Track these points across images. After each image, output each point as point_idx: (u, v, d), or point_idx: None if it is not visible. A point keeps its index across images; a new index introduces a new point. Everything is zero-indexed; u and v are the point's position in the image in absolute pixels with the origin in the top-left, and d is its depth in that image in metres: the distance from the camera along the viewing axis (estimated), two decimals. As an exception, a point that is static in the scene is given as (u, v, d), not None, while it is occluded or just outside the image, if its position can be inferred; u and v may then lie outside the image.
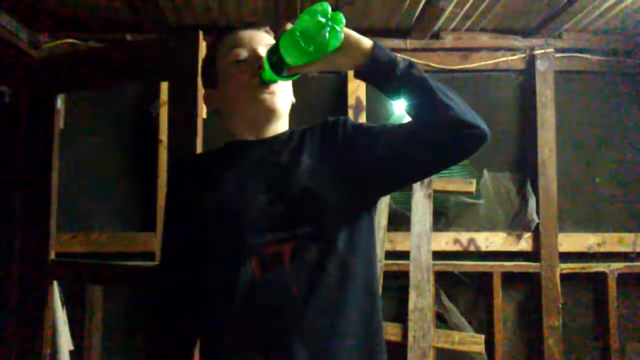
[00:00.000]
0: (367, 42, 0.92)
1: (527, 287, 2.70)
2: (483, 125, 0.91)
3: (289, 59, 0.90)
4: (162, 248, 1.11)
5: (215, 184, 1.02)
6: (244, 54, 1.03)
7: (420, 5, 2.40)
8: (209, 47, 1.14)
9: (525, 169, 2.73)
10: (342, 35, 0.88)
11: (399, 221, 2.64)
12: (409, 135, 0.95)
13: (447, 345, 2.44)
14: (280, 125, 1.08)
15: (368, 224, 1.02)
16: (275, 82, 1.01)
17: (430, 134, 0.93)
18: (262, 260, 0.93)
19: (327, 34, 0.86)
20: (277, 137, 1.06)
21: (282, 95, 1.04)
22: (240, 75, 1.03)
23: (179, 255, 1.07)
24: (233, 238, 0.96)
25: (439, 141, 0.92)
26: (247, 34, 1.05)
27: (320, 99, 2.71)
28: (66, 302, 2.34)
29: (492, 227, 2.71)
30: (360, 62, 0.91)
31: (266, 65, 0.95)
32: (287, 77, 0.97)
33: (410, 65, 0.92)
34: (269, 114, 1.03)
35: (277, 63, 0.93)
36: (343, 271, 0.94)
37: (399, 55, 0.94)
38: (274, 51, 0.92)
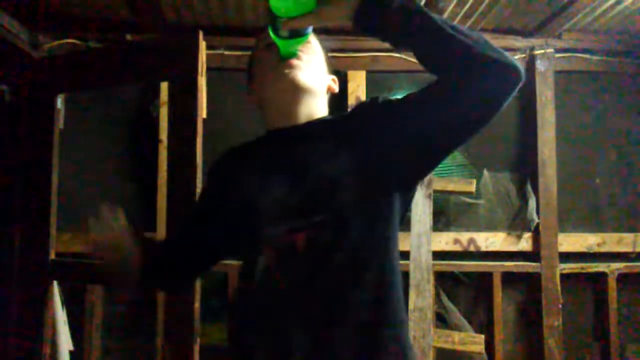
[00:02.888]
0: None
1: (527, 287, 2.70)
2: (511, 60, 0.83)
3: (278, 10, 0.89)
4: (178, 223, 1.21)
5: (245, 175, 1.05)
6: (270, 39, 1.01)
7: (420, 5, 2.40)
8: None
9: (525, 169, 2.73)
10: None
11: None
12: (433, 90, 0.90)
13: (447, 345, 2.44)
14: (314, 107, 1.05)
15: (391, 214, 0.98)
16: (294, 55, 1.00)
17: (451, 82, 0.86)
18: (277, 249, 0.95)
19: None
20: (307, 125, 1.04)
21: (306, 71, 1.01)
22: (266, 58, 1.03)
23: (186, 234, 1.18)
24: (252, 228, 0.99)
25: (463, 88, 0.85)
26: None
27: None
28: (66, 302, 2.34)
29: (492, 227, 2.71)
30: (353, 10, 0.86)
31: (272, 36, 0.95)
32: (290, 39, 0.95)
33: (409, 1, 0.86)
34: (293, 90, 1.01)
35: (273, 22, 0.92)
36: (354, 260, 0.93)
37: None
38: (268, 13, 0.92)
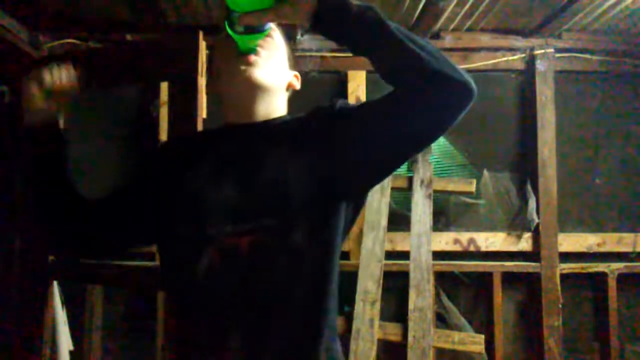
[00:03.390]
0: None
1: (527, 287, 2.70)
2: (465, 78, 0.83)
3: (233, 4, 0.86)
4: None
5: (190, 168, 1.00)
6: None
7: (420, 5, 2.40)
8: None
9: (525, 169, 2.73)
10: None
11: (399, 221, 2.63)
12: (385, 102, 0.89)
13: (447, 345, 2.44)
14: (272, 105, 1.03)
15: (337, 221, 0.95)
16: (252, 51, 0.97)
17: (402, 95, 0.86)
18: (221, 251, 0.92)
19: None
20: (264, 124, 1.01)
21: (264, 68, 0.98)
22: (223, 50, 1.01)
23: (115, 198, 1.09)
24: (196, 226, 0.95)
25: (414, 101, 0.85)
26: None
27: (320, 99, 2.70)
28: (66, 302, 2.34)
29: (492, 227, 2.71)
30: (311, 12, 0.84)
31: (228, 30, 0.91)
32: (245, 34, 0.91)
33: (368, 8, 0.85)
34: (250, 88, 0.98)
35: (229, 18, 0.89)
36: (296, 265, 0.92)
37: (357, 1, 0.86)
38: (225, 6, 0.89)
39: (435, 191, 2.55)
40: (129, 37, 2.64)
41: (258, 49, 0.98)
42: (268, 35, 0.99)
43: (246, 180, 0.95)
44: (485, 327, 2.66)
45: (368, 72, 2.69)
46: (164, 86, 2.53)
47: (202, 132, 1.09)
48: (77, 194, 1.10)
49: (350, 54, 2.49)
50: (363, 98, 2.66)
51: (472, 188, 2.56)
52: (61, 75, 1.05)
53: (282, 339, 0.91)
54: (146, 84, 2.66)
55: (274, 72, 1.01)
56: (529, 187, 2.69)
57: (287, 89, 1.08)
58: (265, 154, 0.97)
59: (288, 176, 0.93)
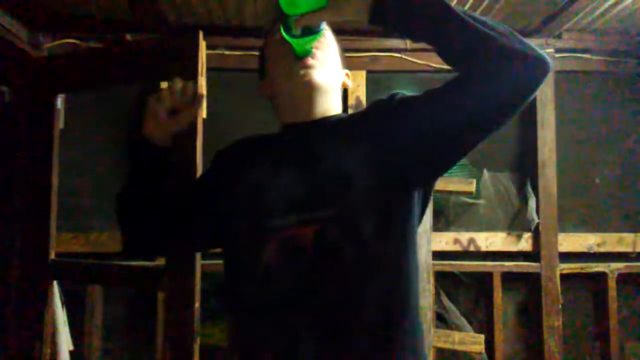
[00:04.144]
0: None
1: (527, 287, 2.70)
2: (538, 52, 0.80)
3: (288, 8, 0.86)
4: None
5: (252, 167, 1.02)
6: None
7: (420, 5, 2.40)
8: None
9: (525, 169, 2.73)
10: None
11: (399, 221, 2.63)
12: (454, 85, 0.87)
13: (447, 345, 2.44)
14: (329, 104, 1.03)
15: (408, 212, 0.94)
16: (308, 54, 0.97)
17: (476, 76, 0.83)
18: (282, 243, 0.91)
19: None
20: (321, 121, 1.02)
21: (321, 70, 0.99)
22: (279, 55, 1.01)
23: (183, 201, 1.12)
24: (260, 219, 0.94)
25: (489, 82, 0.82)
26: None
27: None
28: (66, 302, 2.34)
29: (492, 227, 2.71)
30: (369, 4, 0.83)
31: (284, 35, 0.92)
32: (303, 37, 0.91)
33: None
34: (308, 89, 0.99)
35: (285, 22, 0.89)
36: (366, 258, 0.89)
37: None
38: (279, 12, 0.89)
39: (435, 191, 2.55)
40: (129, 37, 2.64)
41: (314, 50, 0.98)
42: (321, 36, 0.98)
43: (308, 174, 0.95)
44: (485, 327, 2.66)
45: (368, 72, 2.69)
46: (164, 86, 2.53)
47: (262, 135, 1.11)
48: (167, 200, 1.12)
49: (351, 54, 2.50)
50: (363, 98, 2.66)
51: (472, 188, 2.55)
52: (180, 97, 1.09)
53: (357, 340, 0.88)
54: (146, 84, 2.66)
55: (330, 73, 1.02)
56: (529, 187, 2.69)
57: (341, 87, 1.09)
58: (325, 147, 0.96)
59: (351, 167, 0.92)
